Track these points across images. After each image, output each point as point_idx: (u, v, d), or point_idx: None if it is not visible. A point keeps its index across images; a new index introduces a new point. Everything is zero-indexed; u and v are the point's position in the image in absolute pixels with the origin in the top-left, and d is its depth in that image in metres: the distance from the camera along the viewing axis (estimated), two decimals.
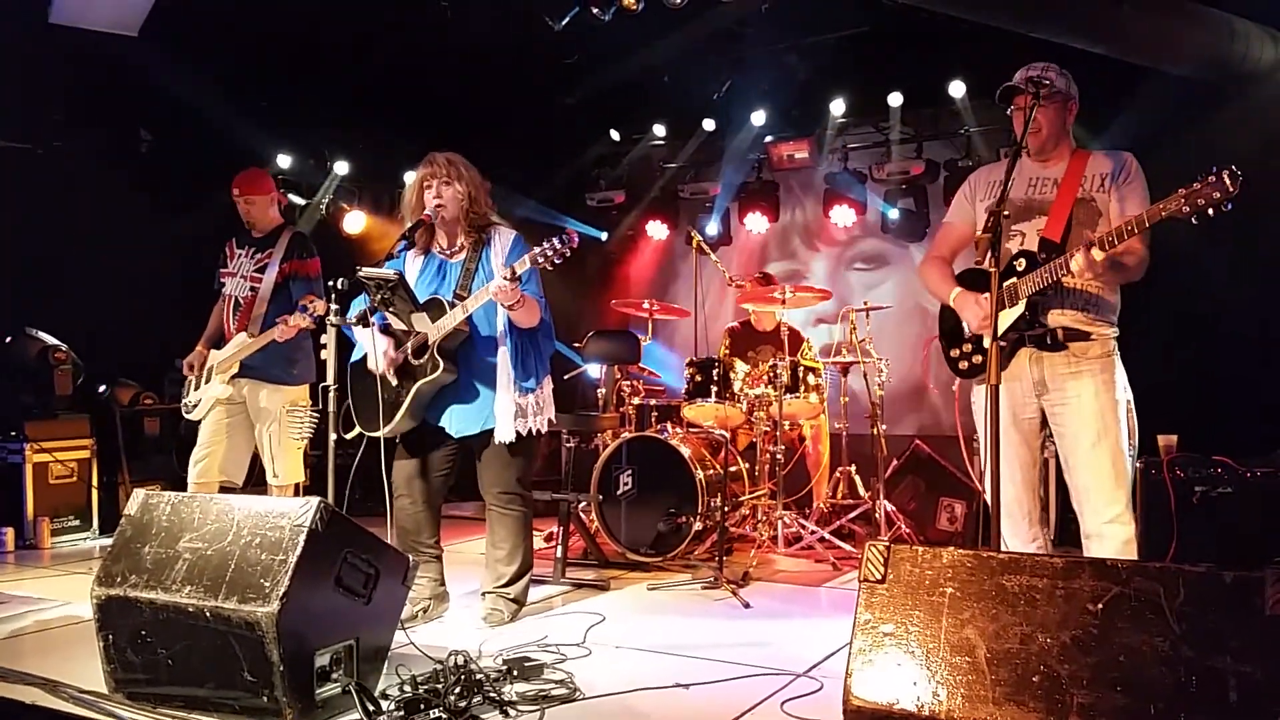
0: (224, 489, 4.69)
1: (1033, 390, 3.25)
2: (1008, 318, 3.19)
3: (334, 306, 3.57)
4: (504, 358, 3.82)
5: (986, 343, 3.06)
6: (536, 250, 3.54)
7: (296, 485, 4.76)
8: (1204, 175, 2.79)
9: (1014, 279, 3.19)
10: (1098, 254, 2.97)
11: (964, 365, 3.40)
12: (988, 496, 2.98)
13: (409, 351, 3.81)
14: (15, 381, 6.21)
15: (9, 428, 6.06)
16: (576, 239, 3.51)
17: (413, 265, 3.98)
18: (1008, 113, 3.39)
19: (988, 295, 3.02)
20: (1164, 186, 3.28)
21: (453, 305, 3.73)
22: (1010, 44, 5.76)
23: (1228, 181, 2.74)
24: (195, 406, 4.76)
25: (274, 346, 4.58)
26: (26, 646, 3.66)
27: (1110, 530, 3.13)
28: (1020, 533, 3.30)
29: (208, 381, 4.73)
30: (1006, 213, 2.95)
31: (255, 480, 5.07)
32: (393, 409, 3.78)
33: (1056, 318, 3.20)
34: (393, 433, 3.82)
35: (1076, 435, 3.17)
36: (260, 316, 4.63)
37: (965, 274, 3.44)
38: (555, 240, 3.49)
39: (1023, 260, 3.19)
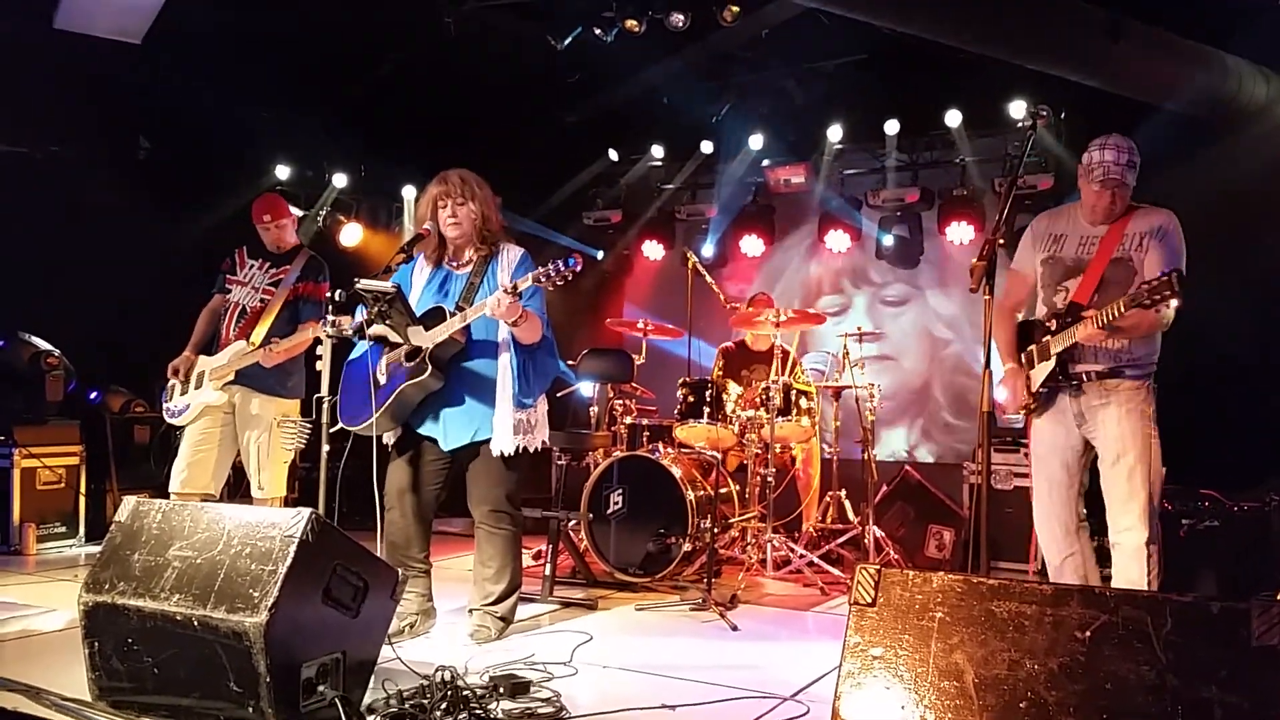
0: (202, 499, 4.65)
1: (1074, 422, 3.61)
2: (1042, 371, 3.60)
3: (329, 318, 3.59)
4: (505, 370, 3.81)
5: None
6: (540, 270, 3.57)
7: (281, 500, 4.73)
8: (1160, 276, 3.18)
9: (1048, 337, 3.58)
10: (1091, 328, 3.36)
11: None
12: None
13: (403, 354, 3.82)
14: (6, 386, 6.18)
15: None
16: (581, 264, 3.54)
17: (420, 275, 4.00)
18: (1084, 183, 3.57)
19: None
20: None
21: (453, 315, 3.74)
22: (1006, 75, 5.84)
23: (1175, 284, 3.13)
24: (182, 412, 4.68)
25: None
26: (9, 653, 3.63)
27: (1122, 538, 3.46)
28: (1059, 543, 3.64)
29: (198, 387, 4.67)
30: (988, 258, 3.21)
31: (237, 492, 5.02)
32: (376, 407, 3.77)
33: (1083, 368, 3.55)
34: (372, 431, 3.80)
35: (1103, 456, 3.55)
36: (265, 329, 4.63)
37: (1021, 325, 3.80)
38: (560, 263, 3.52)
39: (1054, 321, 3.60)
